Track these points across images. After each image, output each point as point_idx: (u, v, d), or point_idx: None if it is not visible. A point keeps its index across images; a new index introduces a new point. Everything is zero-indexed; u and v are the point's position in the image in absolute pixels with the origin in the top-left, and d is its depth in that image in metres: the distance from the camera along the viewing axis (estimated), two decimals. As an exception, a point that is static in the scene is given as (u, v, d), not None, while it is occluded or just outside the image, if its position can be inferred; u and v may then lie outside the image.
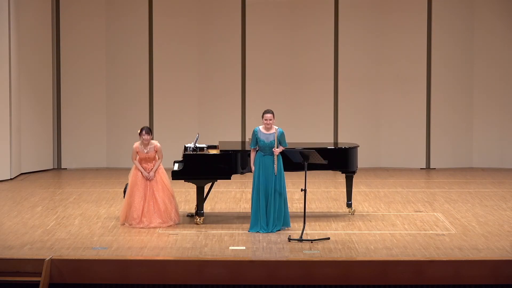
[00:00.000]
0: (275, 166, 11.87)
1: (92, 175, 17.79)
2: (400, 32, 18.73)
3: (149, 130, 12.46)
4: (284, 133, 12.04)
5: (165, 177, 12.51)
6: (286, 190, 12.10)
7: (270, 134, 11.96)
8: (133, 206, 12.31)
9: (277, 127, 12.02)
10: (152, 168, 12.41)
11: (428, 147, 18.88)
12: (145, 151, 12.45)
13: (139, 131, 12.49)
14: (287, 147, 12.09)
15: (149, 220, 12.27)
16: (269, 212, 11.98)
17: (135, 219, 12.26)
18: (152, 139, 12.55)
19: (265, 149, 11.98)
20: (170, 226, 12.28)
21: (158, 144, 12.52)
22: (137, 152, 12.47)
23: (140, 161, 12.48)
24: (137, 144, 12.52)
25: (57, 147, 18.69)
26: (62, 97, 18.67)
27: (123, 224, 12.37)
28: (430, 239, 11.49)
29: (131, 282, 10.28)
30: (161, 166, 12.55)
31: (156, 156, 12.47)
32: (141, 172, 12.41)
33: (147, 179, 12.38)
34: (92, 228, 12.22)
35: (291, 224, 12.19)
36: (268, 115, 11.96)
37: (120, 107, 18.75)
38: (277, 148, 11.95)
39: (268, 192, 11.96)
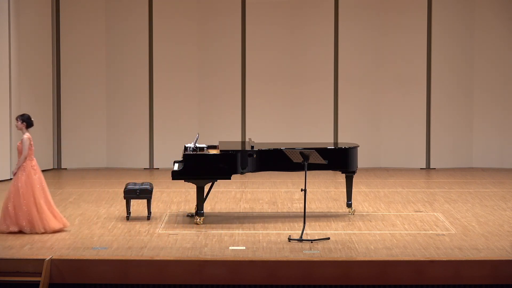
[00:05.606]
0: None
1: (92, 175, 17.79)
2: (400, 32, 18.73)
3: (20, 117, 11.78)
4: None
5: (31, 181, 11.84)
6: None
7: None
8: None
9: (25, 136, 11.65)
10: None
11: (428, 147, 18.88)
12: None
13: None
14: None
15: (7, 225, 11.70)
16: None
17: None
18: (25, 127, 11.75)
19: None
20: (34, 234, 11.58)
21: (25, 136, 11.71)
22: None
23: None
24: None
25: (57, 147, 18.69)
26: (62, 97, 18.66)
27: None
28: (430, 239, 11.48)
29: (131, 282, 10.28)
30: (38, 169, 11.89)
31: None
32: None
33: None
34: (92, 228, 12.20)
35: None
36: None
37: (120, 107, 18.74)
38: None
39: None
